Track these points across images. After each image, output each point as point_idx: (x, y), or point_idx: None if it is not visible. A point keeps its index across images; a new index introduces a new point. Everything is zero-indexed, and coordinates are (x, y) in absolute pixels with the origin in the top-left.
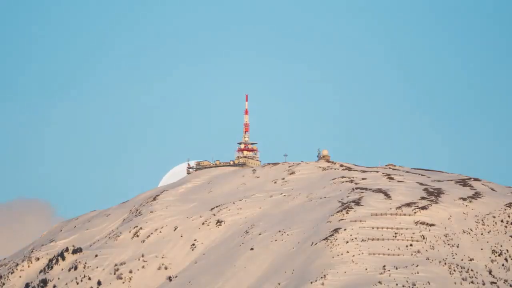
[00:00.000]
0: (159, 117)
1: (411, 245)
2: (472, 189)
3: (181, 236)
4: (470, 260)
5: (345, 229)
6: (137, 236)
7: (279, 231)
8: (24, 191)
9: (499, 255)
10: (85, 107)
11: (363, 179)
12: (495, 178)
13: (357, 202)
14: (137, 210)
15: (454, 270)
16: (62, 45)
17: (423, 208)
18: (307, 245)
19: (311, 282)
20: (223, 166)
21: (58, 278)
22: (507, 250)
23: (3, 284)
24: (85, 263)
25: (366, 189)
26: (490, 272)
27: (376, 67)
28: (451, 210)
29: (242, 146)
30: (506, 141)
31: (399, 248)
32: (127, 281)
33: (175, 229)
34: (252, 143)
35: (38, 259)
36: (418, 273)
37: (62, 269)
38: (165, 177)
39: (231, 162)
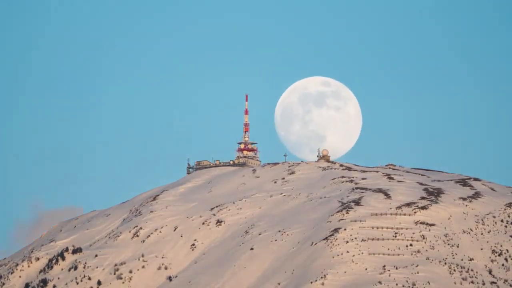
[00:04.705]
0: (159, 116)
1: (411, 245)
2: (472, 189)
3: (181, 236)
4: (470, 260)
5: (345, 229)
6: (137, 236)
7: (279, 231)
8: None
9: (499, 255)
10: (84, 107)
11: (363, 179)
12: (495, 178)
13: (357, 202)
14: (137, 210)
15: (454, 270)
16: (62, 50)
17: (423, 208)
18: (307, 245)
19: (311, 282)
20: (223, 166)
21: (58, 278)
22: (507, 250)
23: (3, 284)
24: (85, 263)
25: (366, 189)
26: (490, 272)
27: (376, 67)
28: (451, 210)
29: (242, 146)
30: (506, 141)
31: (399, 248)
32: (127, 281)
33: (175, 229)
34: (252, 143)
35: (38, 259)
36: (418, 273)
37: (62, 269)
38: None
39: (231, 162)
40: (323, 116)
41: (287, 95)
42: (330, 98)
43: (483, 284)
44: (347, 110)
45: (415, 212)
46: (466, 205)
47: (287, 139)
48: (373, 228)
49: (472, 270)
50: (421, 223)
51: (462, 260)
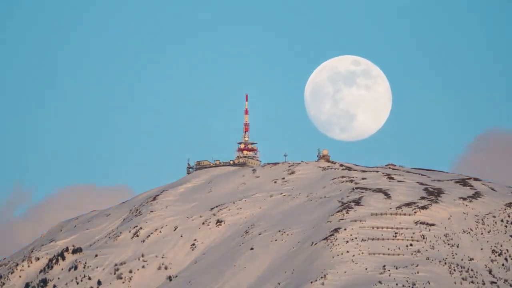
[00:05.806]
0: (159, 116)
1: (411, 245)
2: (472, 189)
3: (181, 236)
4: (470, 260)
5: (345, 229)
6: (137, 236)
7: (279, 231)
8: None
9: (499, 255)
10: (85, 107)
11: (363, 179)
12: (495, 178)
13: (357, 202)
14: (137, 210)
15: (454, 270)
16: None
17: (423, 208)
18: (307, 245)
19: (311, 282)
20: (223, 166)
21: (58, 278)
22: (507, 250)
23: (3, 284)
24: (85, 263)
25: (366, 189)
26: (490, 272)
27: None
28: (451, 210)
29: (242, 146)
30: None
31: (399, 248)
32: (127, 281)
33: (175, 229)
34: (252, 143)
35: (38, 259)
36: (418, 273)
37: (62, 269)
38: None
39: (231, 162)
40: (353, 95)
41: (316, 74)
42: (360, 77)
43: (483, 284)
44: (377, 89)
45: (415, 212)
46: (466, 205)
47: (316, 118)
48: (373, 228)
49: (472, 270)
50: (421, 223)
51: (462, 260)
